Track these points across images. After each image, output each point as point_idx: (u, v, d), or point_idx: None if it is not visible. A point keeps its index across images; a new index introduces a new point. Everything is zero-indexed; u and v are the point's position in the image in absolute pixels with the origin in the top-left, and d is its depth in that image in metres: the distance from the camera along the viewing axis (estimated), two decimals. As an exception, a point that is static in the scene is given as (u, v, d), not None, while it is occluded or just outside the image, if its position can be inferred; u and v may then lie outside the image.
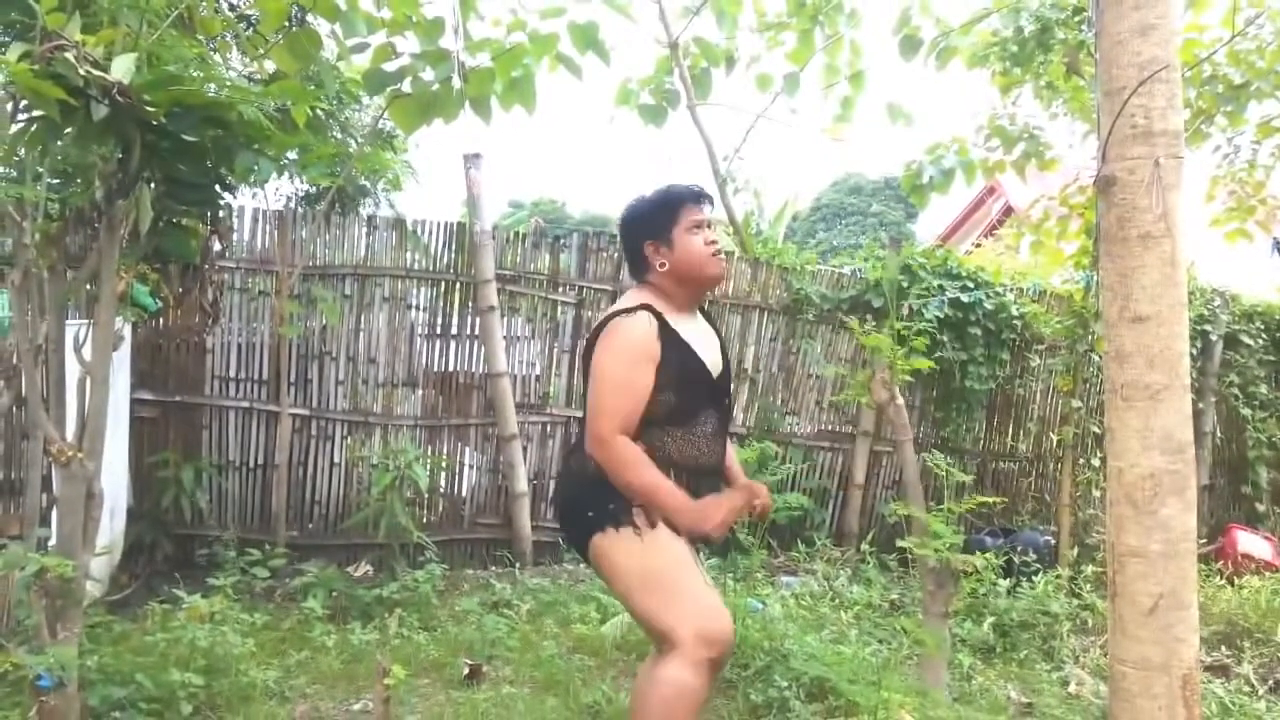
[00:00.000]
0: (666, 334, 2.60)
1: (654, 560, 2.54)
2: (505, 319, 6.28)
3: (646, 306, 2.63)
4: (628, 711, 2.56)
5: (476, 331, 6.23)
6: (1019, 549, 5.88)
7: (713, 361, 2.72)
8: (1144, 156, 2.02)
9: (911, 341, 2.84)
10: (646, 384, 2.55)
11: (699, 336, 2.71)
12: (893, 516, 6.59)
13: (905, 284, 6.59)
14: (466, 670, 4.14)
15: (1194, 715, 2.05)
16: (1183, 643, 2.05)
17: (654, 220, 2.74)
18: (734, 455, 3.00)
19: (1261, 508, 7.53)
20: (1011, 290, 7.04)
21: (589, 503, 2.63)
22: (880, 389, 2.64)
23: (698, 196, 2.77)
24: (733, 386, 2.81)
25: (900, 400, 2.67)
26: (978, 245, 15.38)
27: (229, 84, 3.18)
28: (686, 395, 2.62)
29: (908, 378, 2.85)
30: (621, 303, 2.71)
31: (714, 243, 2.71)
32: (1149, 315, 2.04)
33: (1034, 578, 5.55)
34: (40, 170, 3.38)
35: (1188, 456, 2.04)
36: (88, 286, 3.82)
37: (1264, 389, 7.64)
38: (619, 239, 2.86)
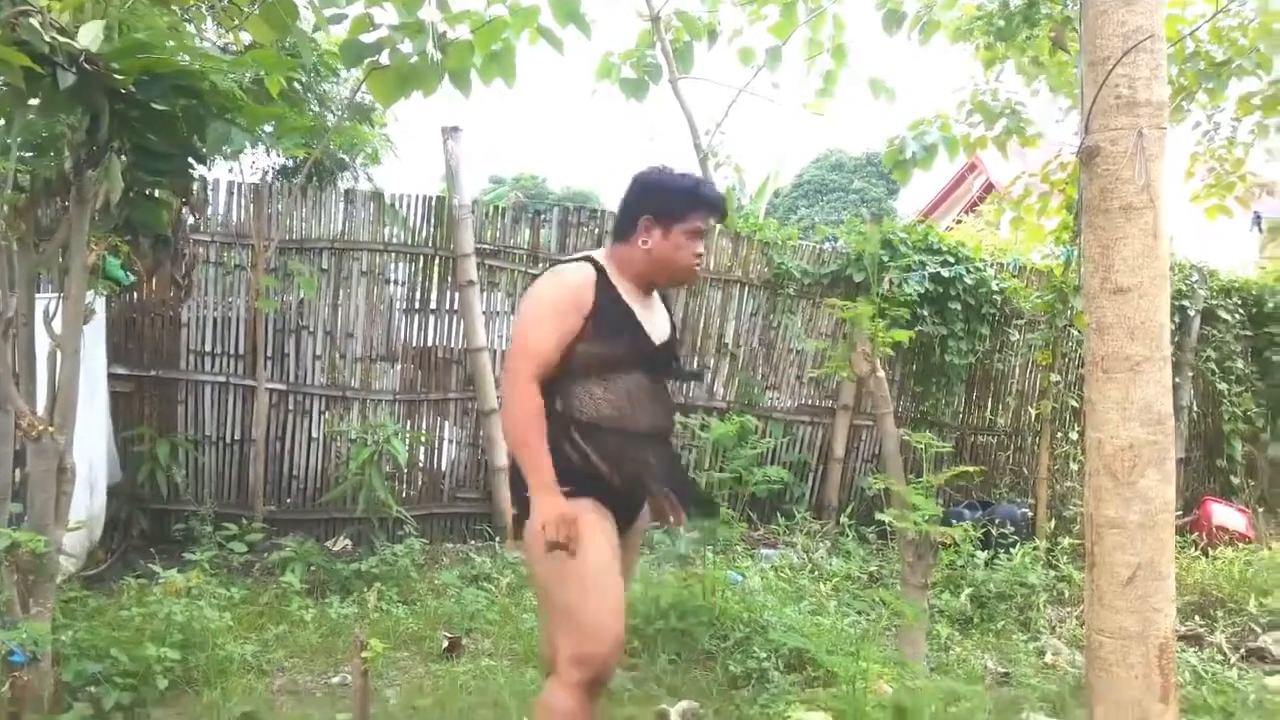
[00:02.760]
0: (605, 288, 2.57)
1: (548, 565, 2.42)
2: (485, 294, 6.23)
3: (589, 259, 2.63)
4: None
5: (456, 306, 6.18)
6: (997, 521, 5.92)
7: (654, 331, 2.67)
8: (1127, 127, 2.01)
9: (890, 313, 2.84)
10: (570, 330, 2.50)
11: (644, 307, 2.68)
12: (872, 489, 6.65)
13: (886, 259, 6.58)
14: (446, 643, 4.14)
15: (1169, 684, 2.06)
16: (1159, 612, 2.06)
17: (668, 203, 2.67)
18: None
19: (1236, 481, 7.61)
20: (992, 265, 7.05)
21: (520, 483, 2.53)
22: (861, 361, 2.64)
23: (715, 209, 2.74)
24: (679, 365, 2.80)
25: (881, 373, 2.66)
26: (959, 222, 15.41)
27: (200, 53, 3.12)
28: (612, 350, 2.54)
29: (888, 350, 2.84)
30: (573, 259, 2.71)
31: (699, 255, 2.71)
32: (1130, 287, 2.03)
33: (1011, 550, 5.59)
34: (9, 142, 3.31)
35: (1167, 428, 2.04)
36: (58, 259, 3.77)
37: (1240, 364, 7.70)
38: (626, 192, 2.77)
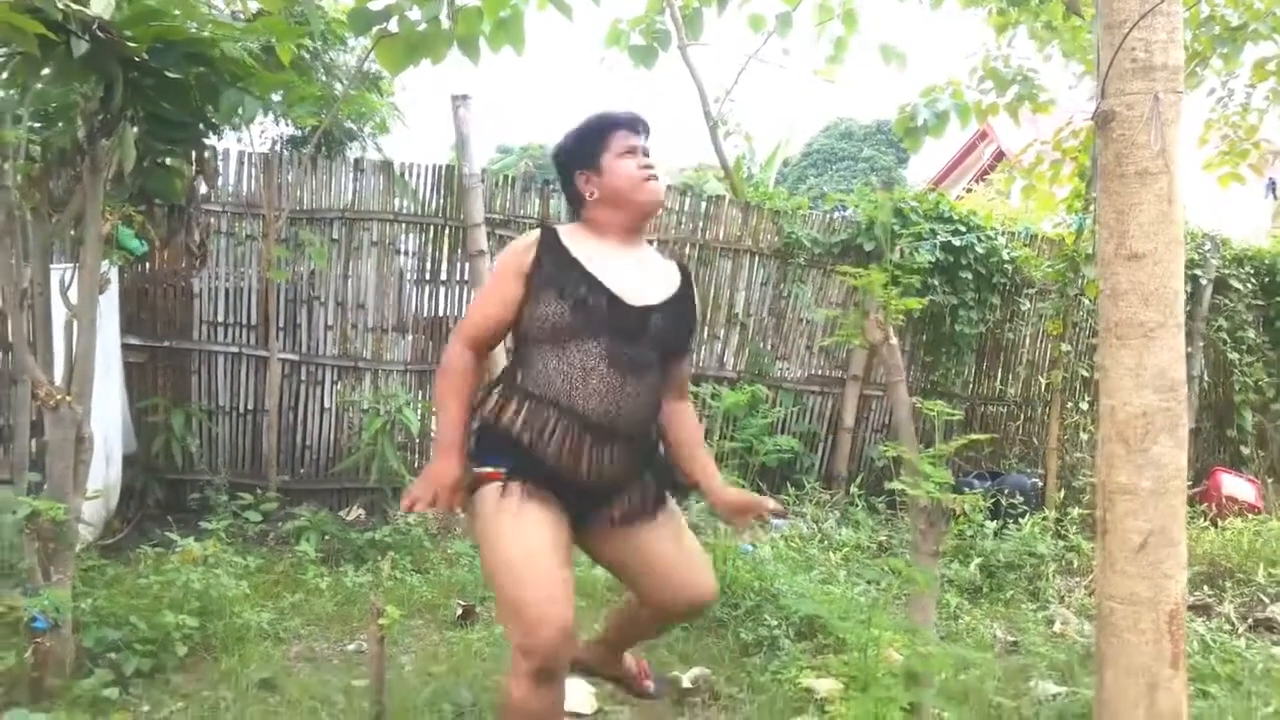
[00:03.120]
0: (553, 251, 2.42)
1: (484, 554, 2.37)
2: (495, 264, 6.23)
3: (545, 227, 2.50)
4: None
5: (466, 277, 6.19)
6: (1006, 491, 5.93)
7: (629, 290, 2.42)
8: (1143, 91, 2.00)
9: (903, 281, 2.84)
10: (504, 298, 2.40)
11: (623, 265, 2.47)
12: (883, 458, 6.66)
13: (898, 227, 6.56)
14: (460, 611, 4.18)
15: (1179, 650, 2.08)
16: (1170, 579, 2.07)
17: (583, 149, 2.55)
18: (699, 454, 2.70)
19: (1246, 451, 7.60)
20: (1003, 234, 7.02)
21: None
22: (874, 329, 2.64)
23: (632, 122, 2.55)
24: (671, 336, 2.51)
25: (894, 340, 2.66)
26: (969, 190, 15.32)
27: (212, 20, 3.12)
28: (558, 308, 2.35)
29: (900, 319, 2.85)
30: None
31: (648, 167, 2.50)
32: (1144, 253, 2.02)
33: (1020, 520, 5.61)
34: (20, 112, 3.32)
35: (1180, 395, 2.04)
36: (71, 230, 3.79)
37: (1251, 333, 7.67)
38: (555, 168, 2.64)
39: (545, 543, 2.27)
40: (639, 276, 2.48)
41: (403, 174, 6.04)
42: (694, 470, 2.68)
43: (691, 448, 2.70)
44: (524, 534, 2.26)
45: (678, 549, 2.58)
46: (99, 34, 2.72)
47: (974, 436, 2.86)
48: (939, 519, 2.50)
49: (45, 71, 2.85)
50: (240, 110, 3.10)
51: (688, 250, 6.62)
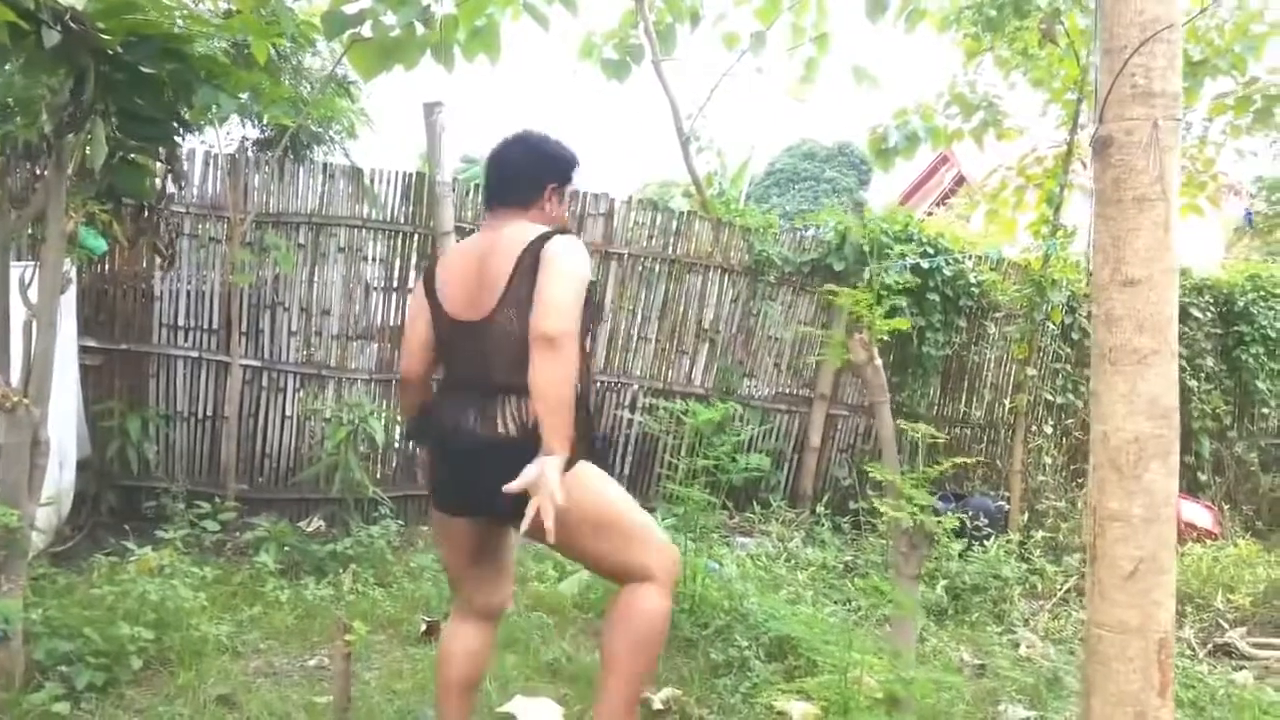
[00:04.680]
0: None
1: (608, 498, 2.59)
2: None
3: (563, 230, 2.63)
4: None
5: (434, 285, 6.09)
6: (970, 513, 5.95)
7: None
8: (1143, 117, 1.99)
9: (889, 301, 2.83)
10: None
11: None
12: (848, 479, 6.66)
13: (866, 248, 6.58)
14: (424, 627, 4.09)
15: (1167, 679, 2.06)
16: (1160, 606, 2.05)
17: (567, 171, 2.78)
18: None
19: (1203, 477, 7.72)
20: (970, 258, 7.07)
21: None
22: (859, 349, 2.62)
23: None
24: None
25: (879, 361, 2.64)
26: (930, 214, 15.49)
27: (187, 15, 3.03)
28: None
29: (885, 338, 2.84)
30: (545, 228, 2.57)
31: None
32: (1140, 279, 2.01)
33: (985, 542, 5.63)
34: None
35: (1173, 422, 2.03)
36: (29, 229, 3.67)
37: (1210, 361, 7.80)
38: (527, 156, 2.74)
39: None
40: None
41: (372, 180, 5.95)
42: None
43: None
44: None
45: None
46: (71, 25, 2.63)
47: (961, 460, 2.84)
48: (921, 542, 2.47)
49: (14, 62, 2.74)
50: (215, 108, 3.01)
51: (657, 266, 6.58)
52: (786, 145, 32.57)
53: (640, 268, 6.58)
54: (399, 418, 5.98)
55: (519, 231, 2.56)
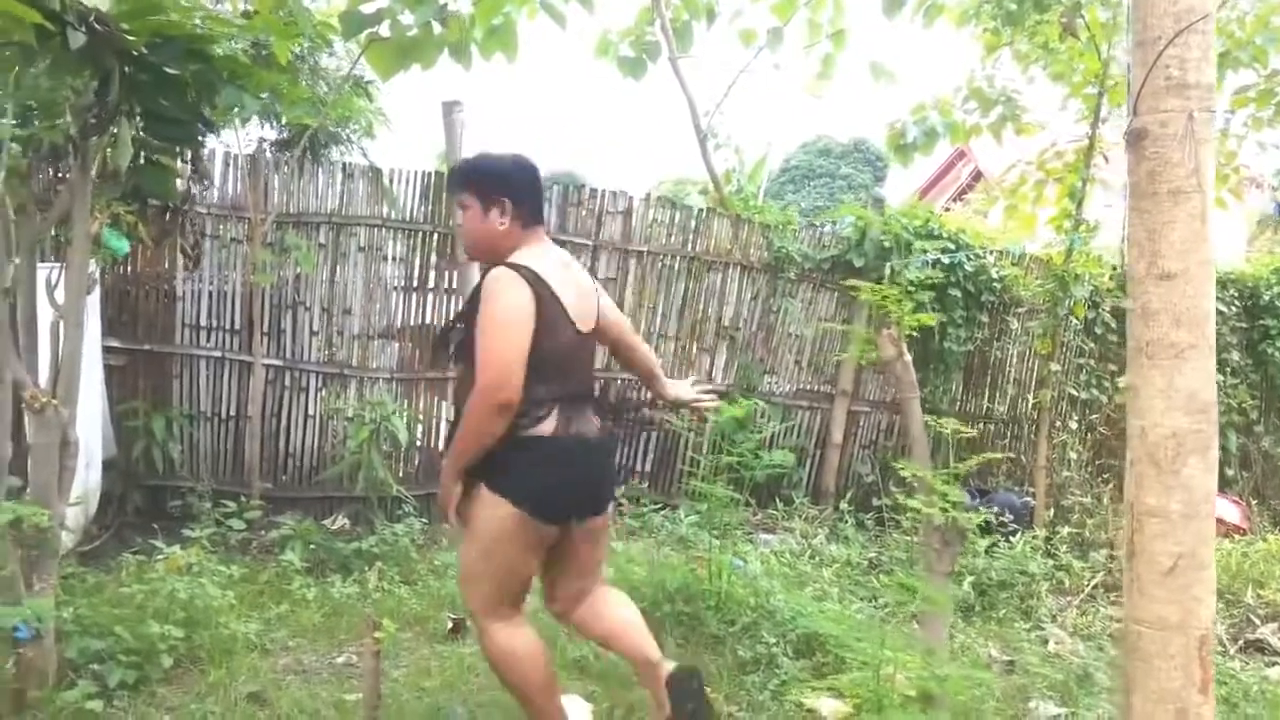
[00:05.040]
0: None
1: None
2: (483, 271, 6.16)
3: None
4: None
5: (453, 285, 6.11)
6: (995, 509, 5.92)
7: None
8: (1177, 109, 1.96)
9: (917, 296, 2.81)
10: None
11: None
12: (871, 475, 6.63)
13: (886, 244, 6.55)
14: (450, 625, 4.10)
15: (1208, 676, 2.04)
16: (1200, 603, 2.03)
17: None
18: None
19: (1230, 472, 7.63)
20: (992, 253, 7.03)
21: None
22: (888, 345, 2.60)
23: (449, 181, 3.09)
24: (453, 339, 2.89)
25: (908, 356, 2.62)
26: (946, 209, 15.42)
27: (211, 15, 3.04)
28: None
29: (914, 333, 2.82)
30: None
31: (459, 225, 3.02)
32: (1176, 272, 1.99)
33: (1011, 538, 5.59)
34: (4, 106, 3.22)
35: (1211, 417, 2.01)
36: (53, 231, 3.68)
37: (1235, 356, 7.72)
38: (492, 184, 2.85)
39: None
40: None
41: (390, 182, 5.95)
42: None
43: None
44: None
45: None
46: (96, 26, 2.63)
47: (991, 455, 2.82)
48: (954, 538, 2.46)
49: (40, 64, 2.75)
50: (239, 108, 3.02)
51: (676, 263, 6.57)
52: (802, 142, 32.46)
53: (659, 265, 6.56)
54: (420, 417, 5.99)
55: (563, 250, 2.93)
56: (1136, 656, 2.07)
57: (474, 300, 2.70)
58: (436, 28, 4.22)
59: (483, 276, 2.74)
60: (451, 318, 2.95)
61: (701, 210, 6.89)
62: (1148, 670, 2.05)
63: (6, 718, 2.89)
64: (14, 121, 3.40)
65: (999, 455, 3.62)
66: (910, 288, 2.69)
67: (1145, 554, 2.05)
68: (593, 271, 6.36)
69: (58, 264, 3.51)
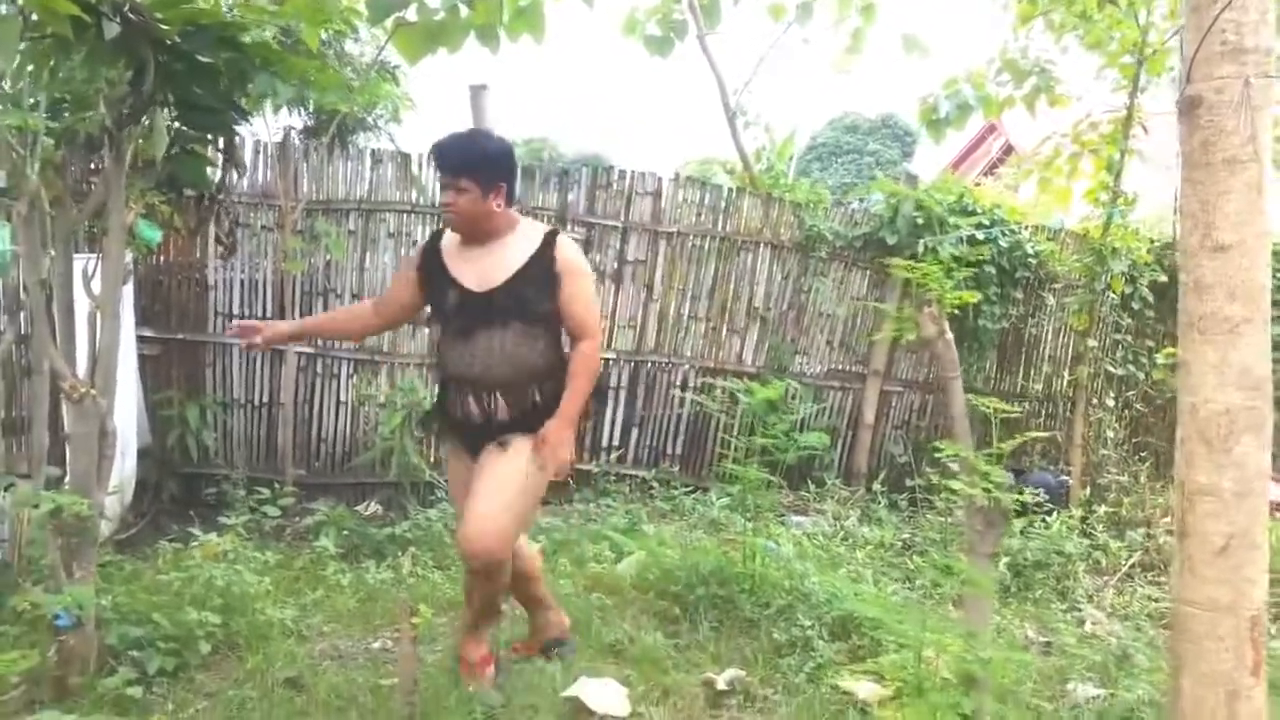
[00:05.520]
0: (431, 255, 3.20)
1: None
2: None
3: (433, 234, 3.34)
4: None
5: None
6: (1030, 489, 5.84)
7: (477, 279, 3.07)
8: (1233, 75, 1.91)
9: (959, 274, 2.76)
10: (397, 279, 3.41)
11: (478, 258, 3.11)
12: (904, 455, 6.57)
13: (920, 221, 6.47)
14: (485, 609, 4.09)
15: (1260, 657, 2.01)
16: (1252, 583, 2.00)
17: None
18: (569, 391, 3.15)
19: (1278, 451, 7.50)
20: (1027, 228, 6.92)
21: None
22: (929, 323, 2.56)
23: (438, 159, 3.11)
24: (522, 303, 3.08)
25: (950, 335, 2.58)
26: (977, 184, 15.22)
27: (241, 3, 3.03)
28: (433, 303, 3.19)
29: (955, 310, 2.77)
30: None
31: (445, 204, 3.06)
32: (1231, 244, 1.94)
33: (1047, 518, 5.53)
34: (33, 100, 3.22)
35: (1266, 393, 1.97)
36: (86, 223, 3.69)
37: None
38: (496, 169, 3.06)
39: (458, 486, 3.24)
40: (486, 266, 3.09)
41: (419, 168, 5.95)
42: (563, 401, 3.19)
43: (569, 381, 3.18)
44: (452, 477, 3.33)
45: (494, 479, 3.04)
46: (130, 16, 2.63)
47: (1035, 434, 2.78)
48: (997, 520, 2.42)
49: (76, 54, 2.75)
50: (271, 95, 3.01)
51: (706, 243, 6.52)
52: (828, 118, 32.15)
53: (689, 246, 6.52)
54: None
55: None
56: (1186, 638, 2.03)
57: (536, 265, 3.07)
58: (463, 10, 4.19)
59: (549, 245, 3.10)
60: (511, 280, 3.06)
61: (731, 190, 6.83)
62: (1197, 652, 2.01)
63: (49, 704, 2.91)
64: (46, 114, 3.41)
65: (1043, 434, 3.56)
66: (953, 265, 2.66)
67: (1196, 533, 2.02)
68: (622, 254, 6.35)
69: (93, 255, 3.52)
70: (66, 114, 3.41)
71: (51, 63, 2.84)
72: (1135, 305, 6.77)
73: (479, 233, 3.11)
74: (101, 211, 3.23)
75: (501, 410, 3.10)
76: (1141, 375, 6.90)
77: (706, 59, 7.57)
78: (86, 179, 4.37)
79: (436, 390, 3.21)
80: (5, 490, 3.87)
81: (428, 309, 3.30)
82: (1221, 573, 1.99)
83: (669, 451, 6.60)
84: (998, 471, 2.47)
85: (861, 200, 7.12)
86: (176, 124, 2.97)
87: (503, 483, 3.03)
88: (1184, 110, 1.98)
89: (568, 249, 3.14)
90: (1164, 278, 6.74)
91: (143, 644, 3.29)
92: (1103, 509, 5.79)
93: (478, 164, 3.02)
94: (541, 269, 3.08)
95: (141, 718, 2.96)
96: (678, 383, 6.55)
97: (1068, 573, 5.12)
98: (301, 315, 5.74)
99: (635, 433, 6.54)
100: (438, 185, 3.13)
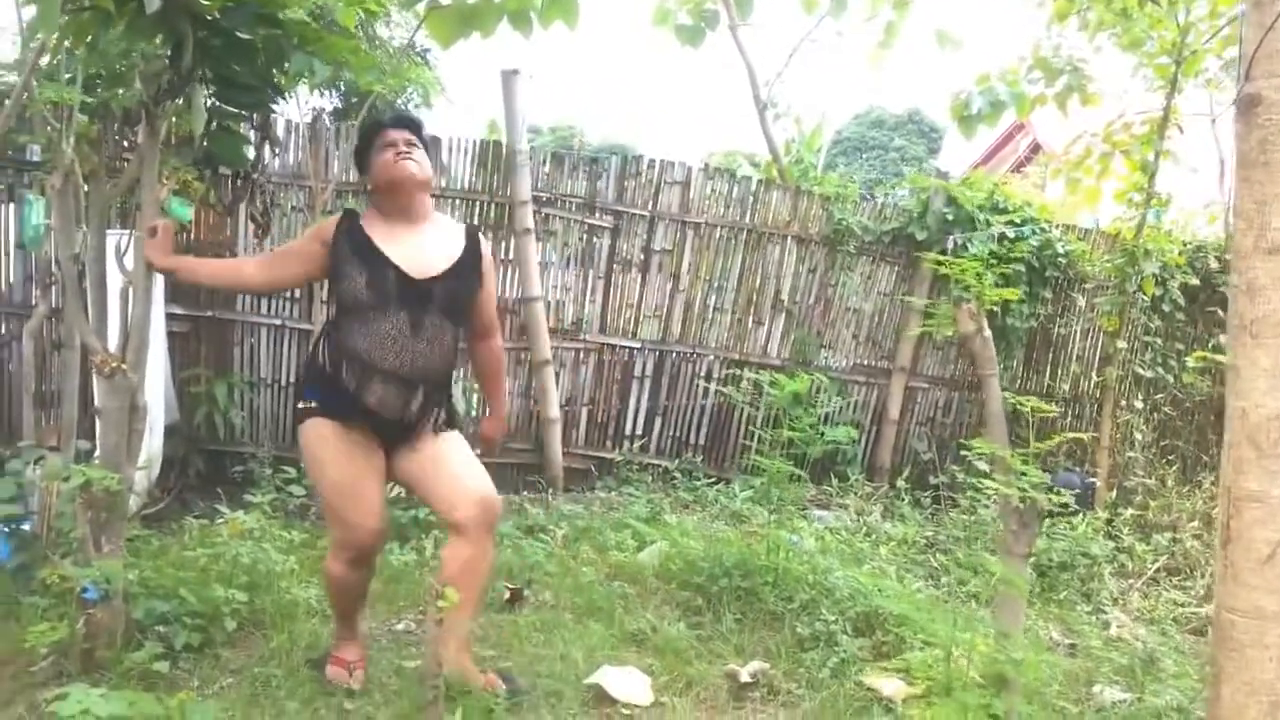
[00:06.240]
0: (352, 233, 2.96)
1: (316, 469, 3.08)
2: (539, 243, 6.14)
3: (346, 210, 3.12)
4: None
5: (510, 255, 6.09)
6: (1056, 490, 5.79)
7: (414, 265, 2.94)
8: (1294, 73, 1.87)
9: (998, 270, 2.73)
10: (296, 251, 3.14)
11: (410, 243, 2.98)
12: (928, 452, 6.53)
13: (949, 217, 6.41)
14: (507, 594, 4.10)
15: (1305, 667, 1.96)
16: (1299, 593, 1.95)
17: (360, 155, 3.13)
18: (496, 387, 3.46)
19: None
20: (1058, 227, 6.85)
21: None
22: (967, 320, 2.52)
23: (393, 121, 3.09)
24: (456, 299, 3.05)
25: (988, 332, 2.54)
26: (1005, 183, 15.09)
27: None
28: (365, 289, 2.89)
29: (993, 307, 2.73)
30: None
31: (398, 152, 2.95)
32: (1287, 247, 1.90)
33: (1072, 519, 5.48)
34: (69, 74, 3.22)
35: (1319, 398, 1.92)
36: (118, 199, 3.69)
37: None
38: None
39: (361, 469, 2.96)
40: (420, 250, 2.99)
41: (447, 152, 5.94)
42: (489, 399, 3.43)
43: (492, 380, 3.42)
44: (346, 462, 2.94)
45: (465, 459, 3.09)
46: (170, -10, 2.62)
47: (1075, 435, 2.74)
48: (1032, 519, 2.39)
49: (116, 27, 2.74)
50: (308, 74, 3.00)
51: (733, 235, 6.49)
52: (854, 113, 31.97)
53: (716, 237, 6.49)
54: (474, 387, 6.00)
55: None
56: (1229, 646, 1.99)
57: (469, 260, 3.08)
58: (497, -6, 4.17)
59: (475, 241, 3.14)
60: (449, 272, 3.02)
61: (759, 182, 6.79)
62: (1241, 661, 1.97)
63: (77, 676, 2.92)
64: (81, 89, 3.41)
65: (1079, 435, 3.52)
66: (992, 261, 2.62)
67: (1242, 540, 1.97)
68: (649, 243, 6.33)
69: (126, 231, 3.52)
70: (100, 89, 3.42)
71: (90, 36, 2.82)
72: (1166, 308, 6.70)
73: (417, 205, 3.06)
74: (135, 187, 3.23)
75: (418, 403, 2.99)
76: (1171, 378, 6.83)
77: (738, 50, 7.53)
78: (121, 155, 4.37)
79: (324, 366, 2.96)
80: (35, 463, 3.90)
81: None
82: (1268, 581, 1.95)
83: (692, 442, 6.59)
84: (1034, 471, 2.44)
85: (888, 195, 7.05)
86: (213, 100, 2.96)
87: (472, 457, 3.12)
88: (1242, 108, 1.94)
89: (488, 248, 3.23)
90: (1195, 280, 6.66)
91: (169, 619, 3.31)
92: (1129, 512, 5.74)
93: (425, 141, 3.14)
94: (473, 265, 3.11)
95: (168, 692, 2.96)
96: (702, 373, 6.53)
97: (1093, 575, 5.08)
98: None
99: (659, 422, 6.52)
100: (385, 151, 2.98)
